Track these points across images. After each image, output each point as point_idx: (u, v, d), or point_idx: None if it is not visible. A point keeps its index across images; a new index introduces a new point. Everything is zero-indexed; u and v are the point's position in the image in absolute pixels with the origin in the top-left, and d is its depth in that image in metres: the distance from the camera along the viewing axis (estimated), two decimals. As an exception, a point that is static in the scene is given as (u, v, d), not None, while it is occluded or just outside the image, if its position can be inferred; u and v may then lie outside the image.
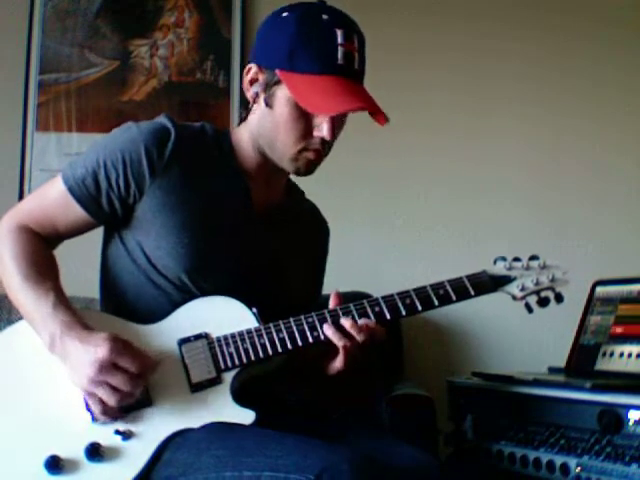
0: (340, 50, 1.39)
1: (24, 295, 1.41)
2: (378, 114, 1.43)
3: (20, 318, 1.46)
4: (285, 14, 1.44)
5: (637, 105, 2.72)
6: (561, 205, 2.69)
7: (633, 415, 1.44)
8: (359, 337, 1.40)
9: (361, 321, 1.42)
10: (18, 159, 2.61)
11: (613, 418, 1.46)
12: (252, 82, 1.48)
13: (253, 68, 1.48)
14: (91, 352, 1.32)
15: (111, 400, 1.33)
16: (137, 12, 2.71)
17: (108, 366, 1.32)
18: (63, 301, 1.40)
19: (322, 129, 1.42)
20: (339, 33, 1.40)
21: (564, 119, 2.72)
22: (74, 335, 1.35)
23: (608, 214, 2.67)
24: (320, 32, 1.40)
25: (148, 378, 1.36)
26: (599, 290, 1.94)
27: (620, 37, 2.73)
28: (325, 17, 1.41)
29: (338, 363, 1.44)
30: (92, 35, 2.68)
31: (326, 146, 1.47)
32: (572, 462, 1.53)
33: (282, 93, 1.43)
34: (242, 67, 2.69)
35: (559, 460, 1.56)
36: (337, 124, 1.45)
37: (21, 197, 2.58)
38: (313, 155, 1.47)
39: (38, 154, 2.63)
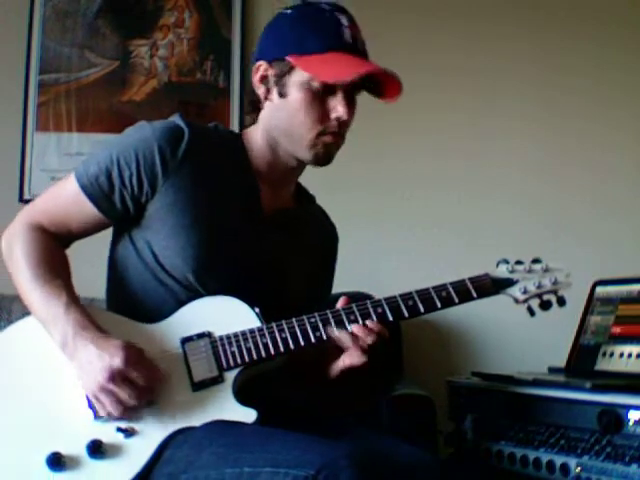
0: (346, 31, 1.46)
1: (35, 293, 1.41)
2: (390, 88, 1.47)
3: (20, 317, 1.46)
4: (288, 11, 1.51)
5: (638, 105, 2.73)
6: (561, 205, 2.70)
7: (633, 415, 1.44)
8: (369, 339, 1.41)
9: (370, 324, 1.43)
10: (18, 159, 2.62)
11: (613, 418, 1.46)
12: (262, 79, 1.50)
13: (263, 65, 1.50)
14: (105, 359, 1.33)
15: (115, 410, 1.34)
16: (137, 12, 2.71)
17: (119, 377, 1.32)
18: (75, 300, 1.41)
19: (338, 110, 1.46)
20: (342, 17, 1.47)
21: (564, 119, 2.73)
22: (88, 337, 1.36)
23: (608, 214, 2.67)
24: (325, 17, 1.47)
25: (155, 392, 1.37)
26: (599, 290, 1.94)
27: (621, 37, 2.73)
28: (326, 6, 1.49)
29: (340, 363, 1.45)
30: (92, 35, 2.68)
31: (342, 129, 1.49)
32: (572, 462, 1.53)
33: (295, 79, 1.46)
34: (242, 67, 2.70)
35: (559, 460, 1.56)
36: (351, 104, 1.48)
37: (21, 197, 2.59)
38: (331, 138, 1.49)
39: (38, 154, 2.63)
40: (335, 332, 1.42)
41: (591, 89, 2.73)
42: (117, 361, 1.32)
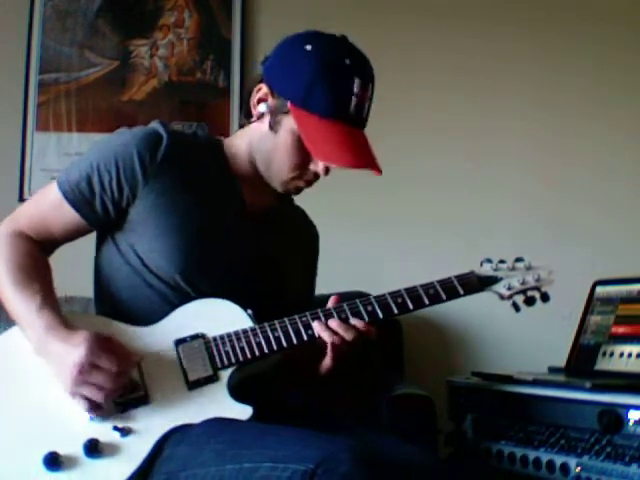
0: (354, 100, 1.44)
1: (13, 299, 1.42)
2: (374, 169, 1.47)
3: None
4: (308, 47, 1.46)
5: (638, 105, 2.72)
6: (561, 205, 2.69)
7: (633, 415, 1.44)
8: (347, 335, 1.43)
9: (350, 321, 1.44)
10: (18, 159, 2.61)
11: (613, 418, 1.46)
12: (260, 101, 1.51)
13: (264, 89, 1.50)
14: (71, 353, 1.34)
15: (97, 397, 1.35)
16: (137, 12, 2.71)
17: (88, 367, 1.33)
18: (49, 303, 1.41)
19: (319, 167, 1.48)
20: (357, 83, 1.44)
21: (564, 119, 2.73)
22: (56, 335, 1.36)
23: (608, 214, 2.67)
24: (339, 78, 1.44)
25: (130, 372, 1.38)
26: (599, 290, 1.94)
27: (621, 37, 2.73)
28: (347, 62, 1.45)
29: (327, 360, 1.47)
30: (92, 35, 2.68)
31: (318, 178, 1.52)
32: (572, 462, 1.53)
33: (288, 123, 1.46)
34: (242, 67, 2.70)
35: (559, 460, 1.56)
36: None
37: (21, 197, 2.59)
38: (304, 184, 1.54)
39: (38, 154, 2.63)
40: (317, 329, 1.44)
41: (591, 89, 2.73)
42: (81, 351, 1.33)
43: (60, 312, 1.41)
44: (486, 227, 2.65)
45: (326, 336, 1.43)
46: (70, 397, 1.36)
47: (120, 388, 1.36)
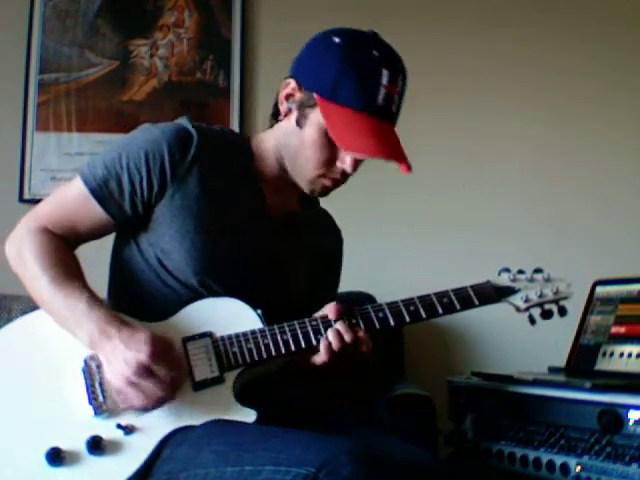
0: (382, 91, 1.41)
1: (53, 296, 1.40)
2: (403, 163, 1.44)
3: (20, 316, 1.46)
4: (337, 40, 1.44)
5: (638, 105, 2.73)
6: (562, 205, 2.70)
7: (633, 415, 1.44)
8: (334, 343, 1.41)
9: (346, 335, 1.42)
10: (18, 159, 2.61)
11: (613, 418, 1.46)
12: (288, 97, 1.49)
13: (292, 84, 1.48)
14: (131, 354, 1.33)
15: (139, 403, 1.35)
16: (137, 12, 2.71)
17: (145, 371, 1.33)
18: (96, 298, 1.41)
19: (346, 162, 1.45)
20: (385, 74, 1.41)
21: (565, 120, 2.73)
22: (112, 331, 1.35)
23: (608, 214, 2.67)
24: (367, 69, 1.41)
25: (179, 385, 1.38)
26: (599, 290, 1.94)
27: (622, 37, 2.74)
28: (375, 53, 1.42)
29: (318, 359, 1.45)
30: (92, 35, 2.69)
31: (344, 178, 1.49)
32: (572, 462, 1.53)
33: (315, 117, 1.44)
34: (242, 67, 2.70)
35: (559, 460, 1.56)
36: (360, 160, 1.46)
37: (21, 197, 2.59)
38: (330, 182, 1.50)
39: (38, 154, 2.63)
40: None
41: (591, 89, 2.73)
42: (143, 356, 1.32)
43: (108, 307, 1.41)
44: (487, 227, 2.65)
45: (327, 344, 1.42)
46: (87, 392, 1.37)
47: (165, 400, 1.36)
